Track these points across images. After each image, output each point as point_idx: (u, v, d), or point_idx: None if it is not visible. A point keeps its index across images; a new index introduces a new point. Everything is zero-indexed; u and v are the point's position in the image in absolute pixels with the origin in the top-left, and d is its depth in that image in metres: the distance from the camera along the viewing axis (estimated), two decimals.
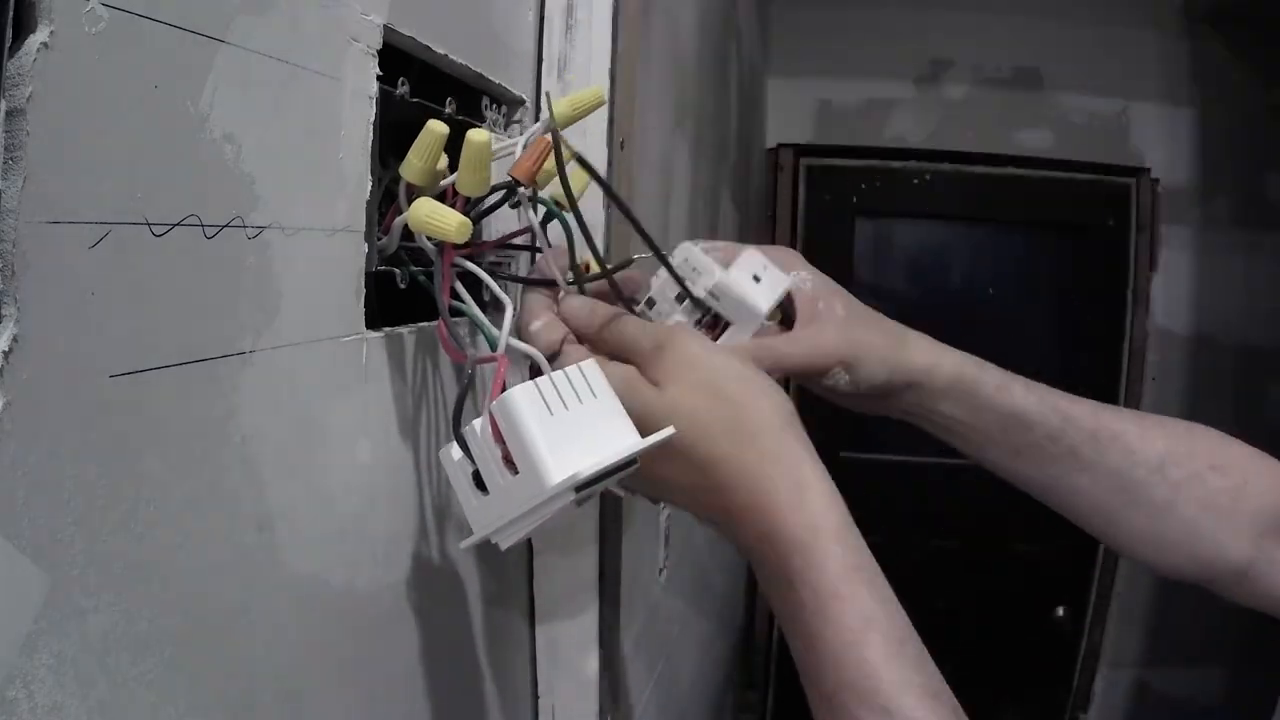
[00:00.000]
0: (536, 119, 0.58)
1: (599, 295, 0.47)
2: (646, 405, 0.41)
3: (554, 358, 0.43)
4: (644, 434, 0.40)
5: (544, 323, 0.44)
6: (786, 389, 0.44)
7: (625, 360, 0.43)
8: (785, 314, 0.52)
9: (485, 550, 0.41)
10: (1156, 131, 2.04)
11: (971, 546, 1.97)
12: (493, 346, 0.41)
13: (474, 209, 0.42)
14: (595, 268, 0.45)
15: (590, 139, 0.56)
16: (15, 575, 0.22)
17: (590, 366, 0.40)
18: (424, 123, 0.40)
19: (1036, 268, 2.15)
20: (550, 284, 0.46)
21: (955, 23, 2.04)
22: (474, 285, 0.43)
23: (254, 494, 0.32)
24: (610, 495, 0.59)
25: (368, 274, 0.40)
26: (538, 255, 0.47)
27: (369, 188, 0.39)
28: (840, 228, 2.04)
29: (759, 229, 1.90)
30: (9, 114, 0.22)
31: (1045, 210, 2.06)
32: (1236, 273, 2.06)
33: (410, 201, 0.40)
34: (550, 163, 0.42)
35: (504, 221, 0.51)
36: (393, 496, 0.43)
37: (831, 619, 0.37)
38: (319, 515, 0.37)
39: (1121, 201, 2.05)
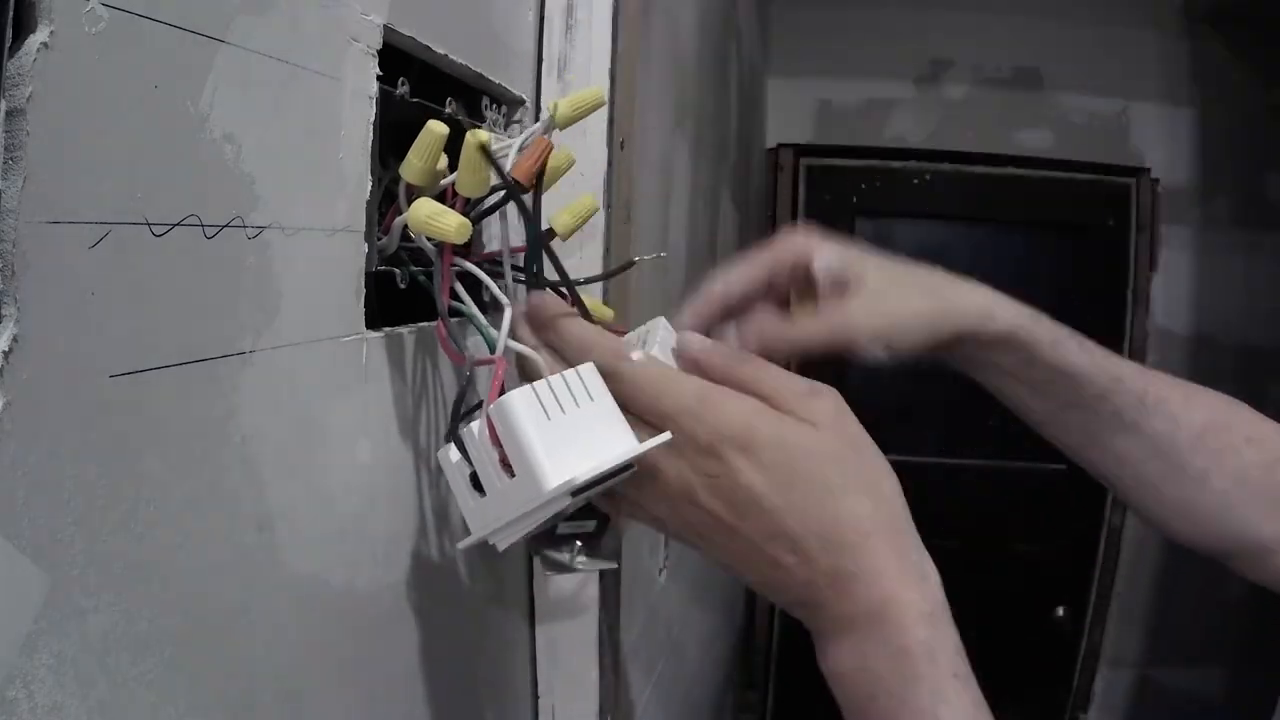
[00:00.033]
0: (537, 119, 0.58)
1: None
2: (793, 433, 0.38)
3: None
4: (766, 459, 0.38)
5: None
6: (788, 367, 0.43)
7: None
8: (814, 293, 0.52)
9: (485, 550, 0.41)
10: (1156, 131, 2.04)
11: (971, 546, 1.97)
12: (491, 348, 0.41)
13: (474, 209, 0.42)
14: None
15: (590, 139, 0.56)
16: (15, 575, 0.22)
17: (588, 370, 0.40)
18: (424, 123, 0.40)
19: (1036, 268, 2.15)
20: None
21: (955, 23, 2.04)
22: (474, 286, 0.43)
23: (254, 494, 0.32)
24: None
25: (368, 274, 0.40)
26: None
27: (369, 188, 0.39)
28: (840, 228, 2.04)
29: (759, 229, 1.90)
30: (9, 114, 0.22)
31: (1045, 210, 2.07)
32: (1236, 273, 2.06)
33: (410, 202, 0.40)
34: (550, 164, 0.43)
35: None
36: (393, 496, 0.43)
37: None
38: (319, 515, 0.37)
39: (1121, 201, 2.05)
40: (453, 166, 0.42)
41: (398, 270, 0.43)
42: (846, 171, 2.05)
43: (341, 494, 0.38)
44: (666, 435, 0.39)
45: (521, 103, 0.57)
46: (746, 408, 0.39)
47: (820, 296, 0.51)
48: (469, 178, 0.40)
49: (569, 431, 0.37)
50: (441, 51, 0.45)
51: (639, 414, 0.39)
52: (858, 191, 2.06)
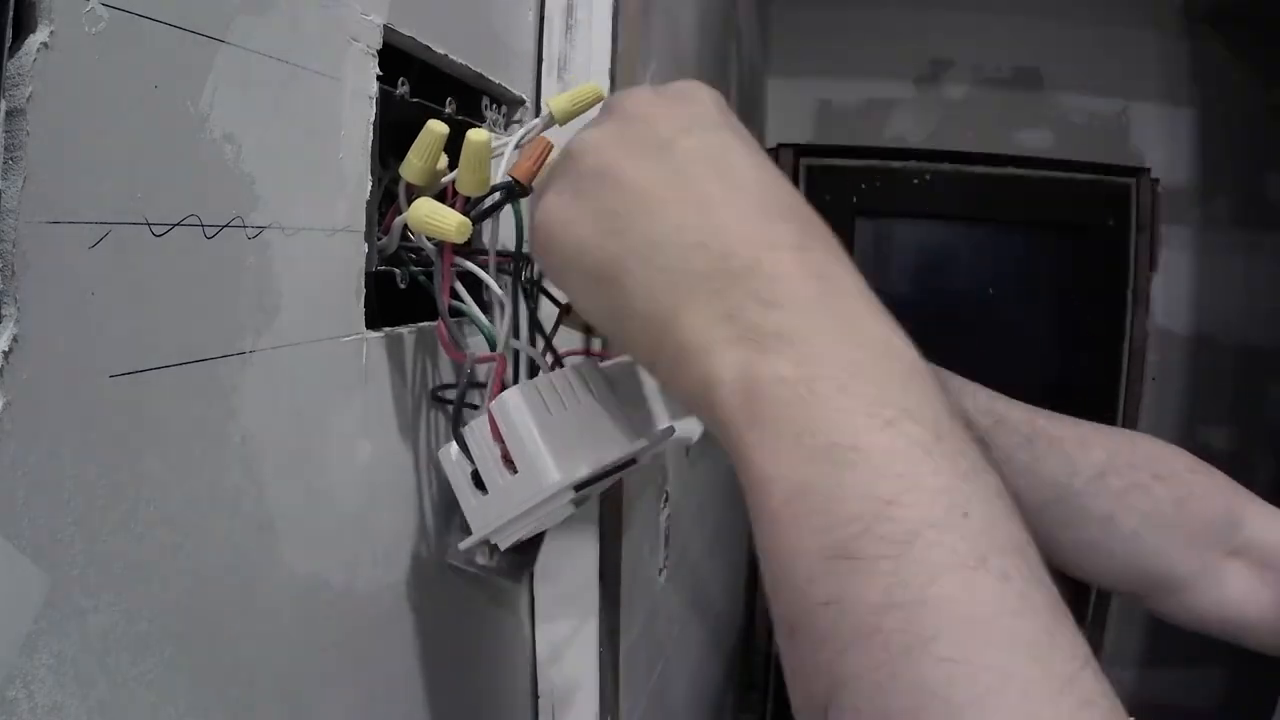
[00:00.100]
0: (536, 118, 0.58)
1: None
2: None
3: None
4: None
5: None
6: None
7: None
8: None
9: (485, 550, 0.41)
10: (1156, 131, 2.04)
11: None
12: (492, 346, 0.41)
13: (474, 209, 0.42)
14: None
15: None
16: (15, 575, 0.22)
17: (588, 366, 0.40)
18: (424, 123, 0.40)
19: (1036, 268, 2.15)
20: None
21: (955, 23, 2.04)
22: (474, 285, 0.43)
23: (254, 494, 0.32)
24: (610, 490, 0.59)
25: (368, 274, 0.40)
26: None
27: (369, 188, 0.39)
28: (840, 228, 2.03)
29: None
30: (9, 114, 0.22)
31: (1045, 210, 2.07)
32: (1236, 273, 2.06)
33: (410, 201, 0.40)
34: (550, 161, 0.42)
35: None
36: (393, 496, 0.43)
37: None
38: (319, 515, 0.37)
39: (1121, 201, 2.05)
40: (453, 166, 0.42)
41: (398, 270, 0.43)
42: (846, 171, 2.05)
43: (341, 494, 0.38)
44: (668, 425, 0.40)
45: (521, 102, 0.57)
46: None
47: None
48: (469, 177, 0.40)
49: (570, 426, 0.37)
50: (441, 51, 0.45)
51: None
52: (858, 191, 2.05)
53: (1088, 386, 2.08)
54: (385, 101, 0.40)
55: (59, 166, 0.23)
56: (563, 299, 0.45)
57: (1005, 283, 2.14)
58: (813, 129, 2.08)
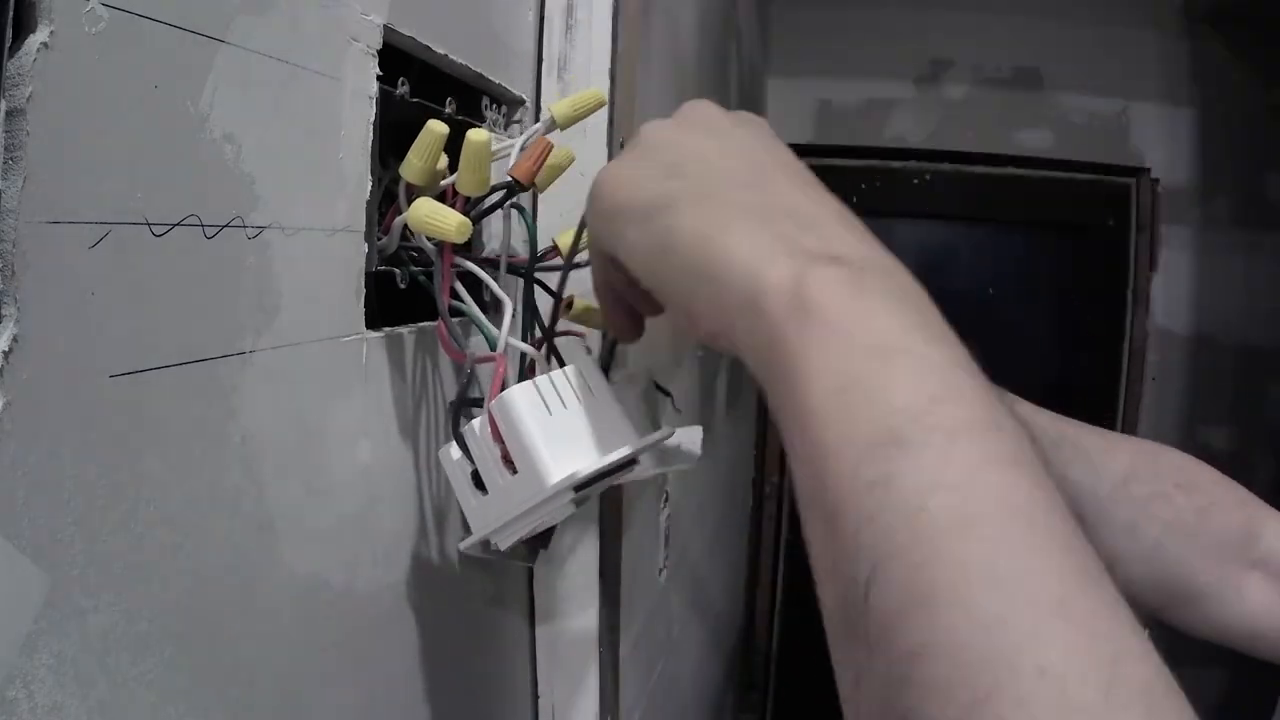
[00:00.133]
0: (536, 119, 0.58)
1: None
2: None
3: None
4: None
5: None
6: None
7: None
8: None
9: (485, 550, 0.41)
10: (1156, 131, 2.04)
11: None
12: (492, 346, 0.41)
13: (474, 209, 0.42)
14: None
15: (590, 139, 0.56)
16: (15, 575, 0.22)
17: (589, 365, 0.40)
18: (424, 123, 0.40)
19: (1036, 268, 2.15)
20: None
21: (955, 23, 2.04)
22: (474, 285, 0.43)
23: (254, 494, 0.32)
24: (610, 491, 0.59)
25: (368, 274, 0.40)
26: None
27: (369, 188, 0.39)
28: None
29: None
30: (9, 114, 0.22)
31: (1045, 210, 2.07)
32: (1236, 273, 2.06)
33: (410, 201, 0.40)
34: (550, 161, 0.43)
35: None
36: (393, 496, 0.43)
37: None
38: (319, 515, 0.37)
39: (1121, 201, 2.05)
40: (453, 166, 0.42)
41: (398, 270, 0.43)
42: (846, 171, 2.05)
43: (341, 494, 0.38)
44: (669, 430, 0.40)
45: (521, 103, 0.57)
46: None
47: None
48: (469, 177, 0.40)
49: (570, 427, 0.37)
50: (441, 51, 0.45)
51: None
52: (858, 191, 2.05)
53: (1088, 386, 2.08)
54: (385, 101, 0.40)
55: (59, 166, 0.23)
56: (567, 292, 0.45)
57: (1005, 283, 2.14)
58: (813, 129, 2.08)
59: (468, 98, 0.51)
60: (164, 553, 0.27)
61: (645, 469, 0.41)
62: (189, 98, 0.28)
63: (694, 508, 1.08)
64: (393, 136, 0.41)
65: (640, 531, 0.76)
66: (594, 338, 0.49)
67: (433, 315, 0.43)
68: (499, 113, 0.56)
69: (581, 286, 0.44)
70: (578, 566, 0.60)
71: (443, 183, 0.42)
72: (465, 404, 0.42)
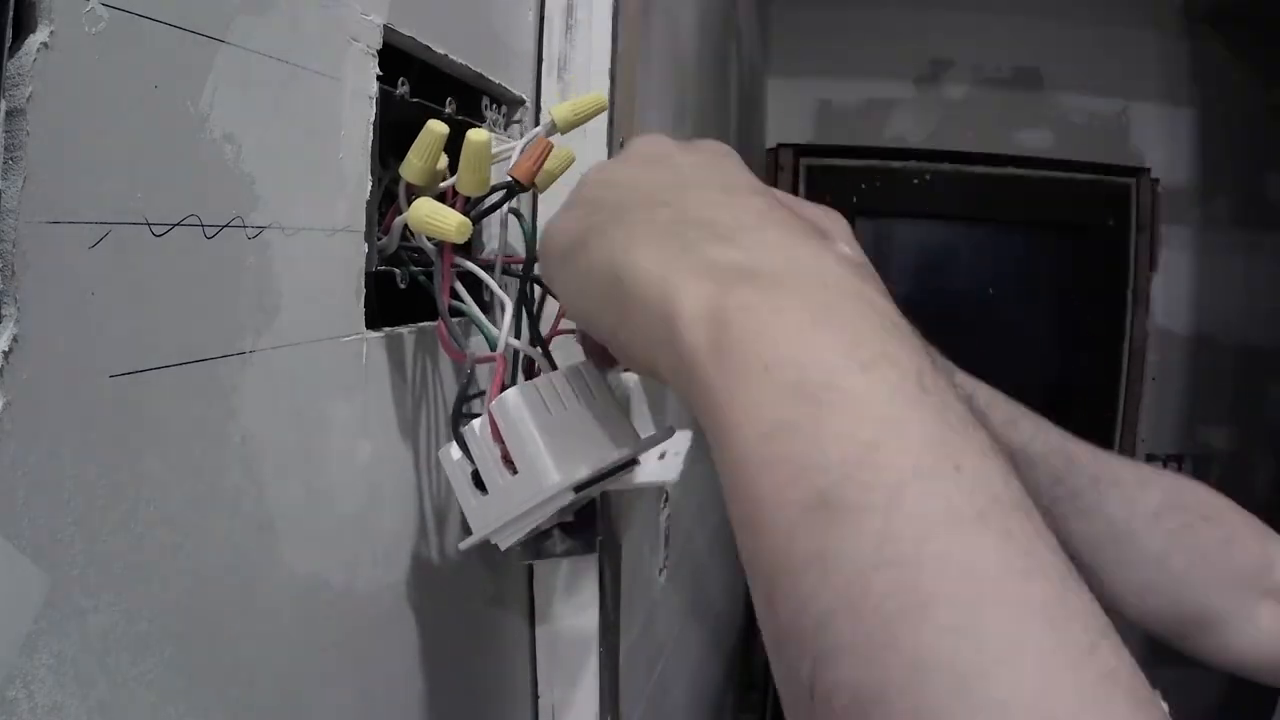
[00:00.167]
0: (536, 119, 0.58)
1: None
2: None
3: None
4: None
5: None
6: None
7: None
8: None
9: (485, 550, 0.41)
10: (1156, 131, 2.04)
11: None
12: (492, 346, 0.41)
13: (474, 209, 0.42)
14: None
15: (590, 139, 0.56)
16: (15, 575, 0.22)
17: (588, 366, 0.40)
18: (424, 123, 0.40)
19: (1036, 268, 2.15)
20: None
21: (955, 23, 2.04)
22: (474, 285, 0.43)
23: (254, 494, 0.32)
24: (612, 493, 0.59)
25: (368, 274, 0.40)
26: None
27: (369, 188, 0.39)
28: None
29: None
30: (9, 114, 0.22)
31: (1045, 210, 2.07)
32: (1236, 273, 2.06)
33: (410, 201, 0.40)
34: (550, 163, 0.43)
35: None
36: (393, 496, 0.43)
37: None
38: (319, 515, 0.37)
39: (1121, 201, 2.05)
40: (453, 167, 0.42)
41: (398, 270, 0.43)
42: (846, 171, 2.05)
43: (341, 494, 0.38)
44: (673, 430, 0.40)
45: (521, 103, 0.57)
46: None
47: None
48: (469, 177, 0.40)
49: (571, 427, 0.37)
50: (441, 51, 0.45)
51: None
52: (858, 191, 2.06)
53: (1088, 386, 2.08)
54: (385, 101, 0.40)
55: (59, 166, 0.23)
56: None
57: (1005, 283, 2.14)
58: (813, 129, 2.08)
59: (468, 98, 0.51)
60: (164, 553, 0.27)
61: (632, 481, 0.41)
62: (189, 98, 0.28)
63: (694, 508, 1.08)
64: (393, 136, 0.41)
65: (640, 531, 0.76)
66: None
67: (433, 315, 0.43)
68: (499, 113, 0.56)
69: None
70: (578, 566, 0.60)
71: (443, 183, 0.42)
72: (465, 404, 0.42)
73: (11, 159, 0.22)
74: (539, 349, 0.43)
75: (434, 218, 0.38)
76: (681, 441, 0.47)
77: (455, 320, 0.41)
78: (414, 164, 0.40)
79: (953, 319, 2.09)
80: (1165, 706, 0.21)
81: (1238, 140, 2.02)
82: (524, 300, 0.44)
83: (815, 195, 2.06)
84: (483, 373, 0.42)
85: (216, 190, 0.30)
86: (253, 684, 0.33)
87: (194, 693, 0.29)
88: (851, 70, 2.07)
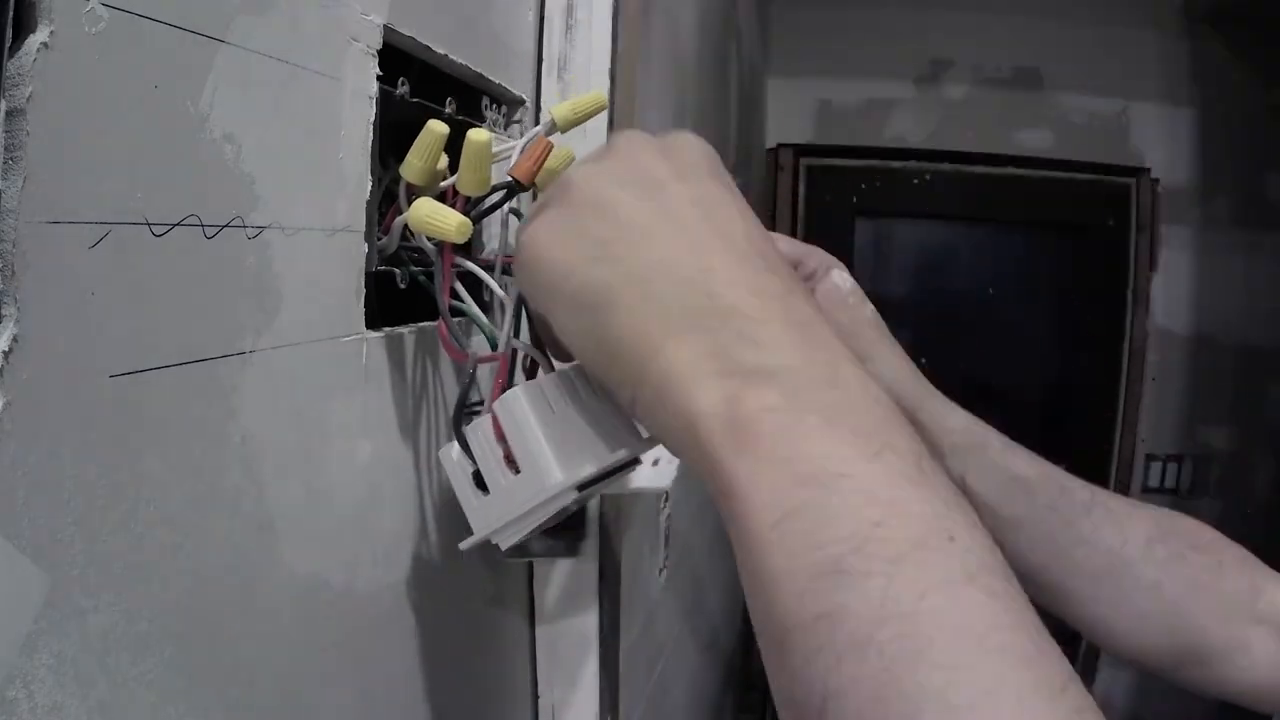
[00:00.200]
0: (536, 119, 0.58)
1: None
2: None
3: None
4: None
5: None
6: None
7: None
8: None
9: (485, 550, 0.41)
10: (1156, 131, 2.04)
11: None
12: (493, 346, 0.41)
13: (474, 209, 0.42)
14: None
15: (590, 139, 0.56)
16: (15, 575, 0.22)
17: None
18: (424, 123, 0.40)
19: (1036, 268, 2.15)
20: None
21: (955, 23, 2.04)
22: (474, 285, 0.43)
23: (254, 494, 0.32)
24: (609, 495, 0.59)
25: (368, 274, 0.40)
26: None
27: (369, 188, 0.39)
28: (840, 228, 2.04)
29: None
30: (9, 114, 0.22)
31: (1045, 210, 2.07)
32: (1236, 273, 2.06)
33: (410, 201, 0.40)
34: (550, 162, 0.43)
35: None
36: (393, 496, 0.43)
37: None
38: (319, 515, 0.37)
39: (1121, 201, 2.05)
40: (453, 166, 0.42)
41: (398, 270, 0.43)
42: (846, 171, 2.05)
43: (341, 494, 0.38)
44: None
45: (521, 103, 0.57)
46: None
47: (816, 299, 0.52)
48: (470, 176, 0.40)
49: (573, 427, 0.37)
50: (441, 51, 0.45)
51: None
52: (858, 191, 2.06)
53: (1088, 386, 2.08)
54: (385, 101, 0.40)
55: (59, 166, 0.23)
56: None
57: (1005, 283, 2.14)
58: (813, 129, 2.08)
59: (468, 98, 0.51)
60: (164, 553, 0.27)
61: (627, 485, 0.41)
62: (189, 98, 0.28)
63: (694, 508, 1.08)
64: (393, 136, 0.41)
65: (640, 531, 0.76)
66: None
67: (433, 315, 0.43)
68: (499, 113, 0.56)
69: None
70: (578, 566, 0.60)
71: (443, 183, 0.42)
72: (467, 404, 0.42)
73: (11, 159, 0.22)
74: (540, 349, 0.43)
75: (434, 218, 0.38)
76: None
77: (456, 320, 0.41)
78: (414, 164, 0.40)
79: (953, 319, 2.09)
80: None
81: (1238, 140, 2.02)
82: (524, 300, 0.44)
83: (815, 195, 2.06)
84: (482, 373, 0.42)
85: (216, 190, 0.30)
86: (253, 684, 0.33)
87: (194, 693, 0.29)
88: (851, 70, 2.07)
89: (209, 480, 0.30)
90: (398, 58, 0.42)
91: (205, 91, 0.28)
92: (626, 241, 0.33)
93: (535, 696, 0.61)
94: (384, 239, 0.42)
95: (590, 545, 0.59)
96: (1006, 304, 2.13)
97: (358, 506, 0.40)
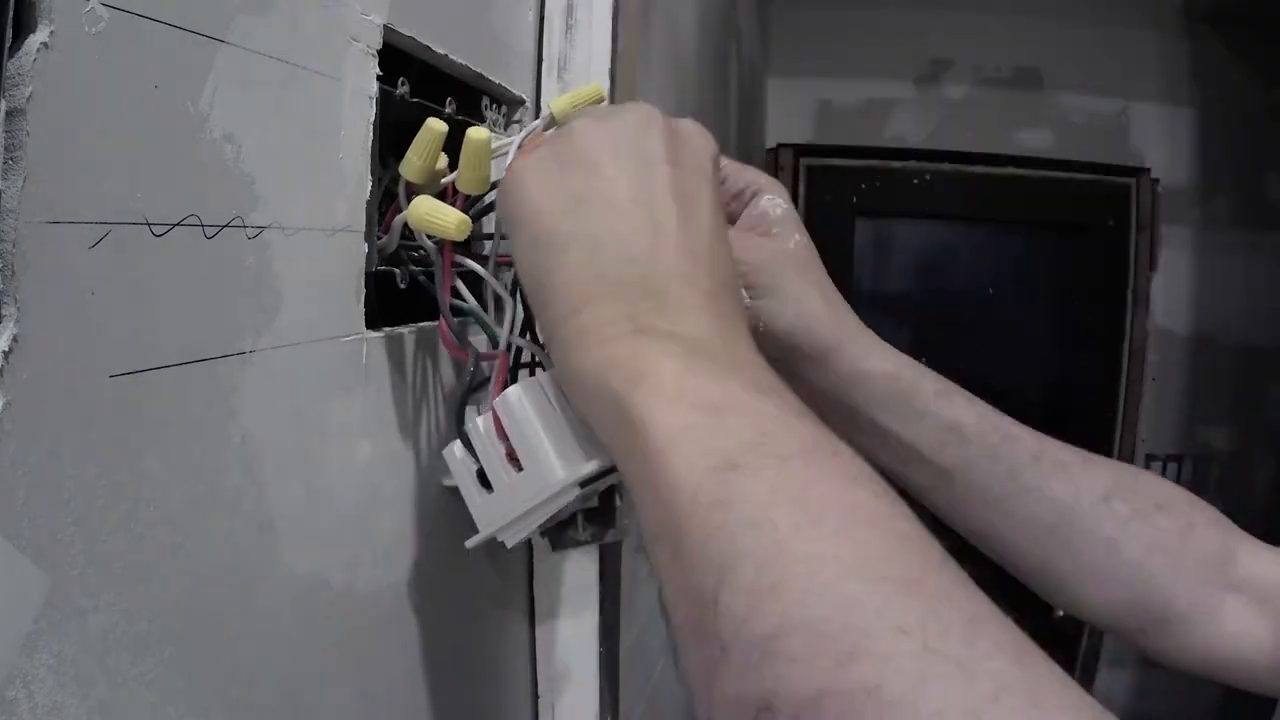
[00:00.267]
0: (536, 119, 0.58)
1: None
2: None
3: None
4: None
5: None
6: None
7: None
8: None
9: (485, 550, 0.41)
10: (1156, 131, 2.04)
11: (972, 547, 1.97)
12: (495, 344, 0.41)
13: (474, 207, 0.42)
14: None
15: None
16: (15, 575, 0.22)
17: None
18: (424, 122, 0.40)
19: (1036, 268, 2.15)
20: None
21: (955, 23, 2.04)
22: (474, 283, 0.43)
23: (254, 494, 0.32)
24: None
25: (368, 274, 0.40)
26: None
27: (369, 187, 0.39)
28: (840, 228, 2.04)
29: None
30: (9, 114, 0.22)
31: (1045, 210, 2.07)
32: (1236, 273, 2.06)
33: (410, 200, 0.40)
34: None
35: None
36: (393, 496, 0.43)
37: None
38: (319, 515, 0.37)
39: (1121, 201, 2.05)
40: (453, 166, 0.42)
41: (398, 270, 0.43)
42: (846, 171, 2.05)
43: (341, 494, 0.38)
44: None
45: (521, 102, 0.57)
46: None
47: (740, 223, 0.51)
48: (469, 175, 0.40)
49: (575, 423, 0.37)
50: (441, 51, 0.45)
51: None
52: (858, 191, 2.05)
53: (1088, 386, 2.08)
54: (385, 101, 0.40)
55: (59, 166, 0.23)
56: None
57: (1005, 283, 2.14)
58: (813, 129, 2.08)
59: (468, 98, 0.51)
60: (164, 553, 0.27)
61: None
62: (189, 98, 0.28)
63: None
64: (393, 136, 0.41)
65: (640, 531, 0.76)
66: None
67: (433, 315, 0.43)
68: (499, 112, 0.56)
69: None
70: (578, 566, 0.60)
71: (443, 181, 0.42)
72: (468, 402, 0.42)
73: (11, 159, 0.22)
74: (541, 346, 0.43)
75: (434, 216, 0.38)
76: None
77: (457, 319, 0.41)
78: (413, 162, 0.40)
79: (953, 319, 2.09)
80: None
81: (1238, 140, 2.02)
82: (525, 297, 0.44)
83: (815, 195, 2.06)
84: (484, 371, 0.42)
85: (216, 190, 0.30)
86: (253, 684, 0.33)
87: (194, 693, 0.29)
88: (851, 70, 2.07)
89: (209, 480, 0.30)
90: (398, 58, 0.42)
91: (205, 91, 0.28)
92: (598, 205, 0.35)
93: (535, 696, 0.61)
94: (384, 238, 0.42)
95: (590, 547, 0.59)
96: (1006, 304, 2.12)
97: (358, 506, 0.40)
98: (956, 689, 0.22)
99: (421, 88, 0.45)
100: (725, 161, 0.51)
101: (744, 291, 0.48)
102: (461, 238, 0.39)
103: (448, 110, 0.48)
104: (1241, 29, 1.97)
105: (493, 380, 0.40)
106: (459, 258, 0.42)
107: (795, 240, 0.50)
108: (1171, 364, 2.06)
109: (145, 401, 0.27)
